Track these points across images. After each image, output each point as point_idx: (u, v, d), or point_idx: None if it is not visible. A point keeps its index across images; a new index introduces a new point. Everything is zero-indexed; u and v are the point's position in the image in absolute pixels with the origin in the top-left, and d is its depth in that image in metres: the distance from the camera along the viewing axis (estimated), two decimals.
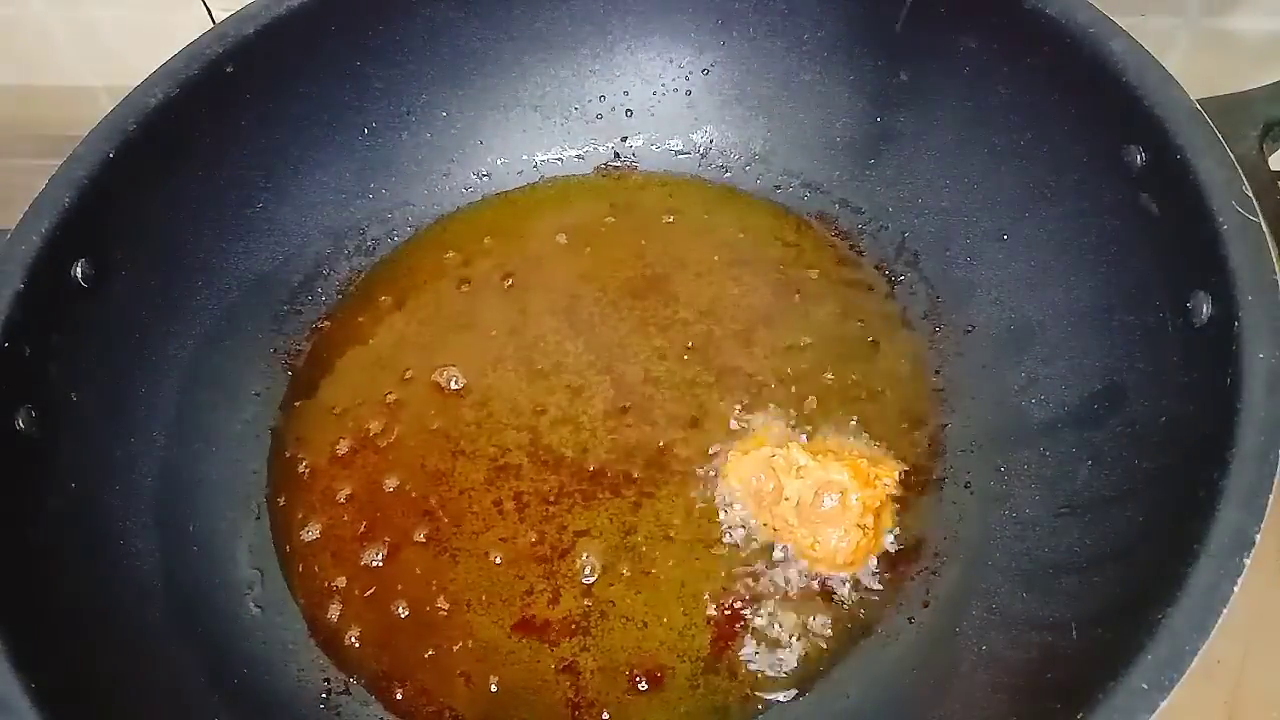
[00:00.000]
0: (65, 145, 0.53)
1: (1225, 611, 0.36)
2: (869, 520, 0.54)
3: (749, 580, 0.54)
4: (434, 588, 0.55)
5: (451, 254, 0.68)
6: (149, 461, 0.56)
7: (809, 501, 0.54)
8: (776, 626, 0.53)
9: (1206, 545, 0.38)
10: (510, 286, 0.66)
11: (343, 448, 0.60)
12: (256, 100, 0.60)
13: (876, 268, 0.64)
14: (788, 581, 0.54)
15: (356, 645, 0.55)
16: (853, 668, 0.52)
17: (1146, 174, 0.48)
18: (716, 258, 0.65)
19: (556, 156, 0.71)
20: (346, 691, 0.54)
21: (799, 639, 0.53)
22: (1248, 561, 0.37)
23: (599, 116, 0.71)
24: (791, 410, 0.59)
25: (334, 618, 0.55)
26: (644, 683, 0.52)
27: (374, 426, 0.61)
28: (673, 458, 0.58)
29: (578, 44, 0.69)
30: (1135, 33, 0.49)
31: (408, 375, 0.63)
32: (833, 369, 0.60)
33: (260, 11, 0.59)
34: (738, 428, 0.59)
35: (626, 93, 0.71)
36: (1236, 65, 0.73)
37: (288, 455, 0.61)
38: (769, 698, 0.51)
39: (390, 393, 0.62)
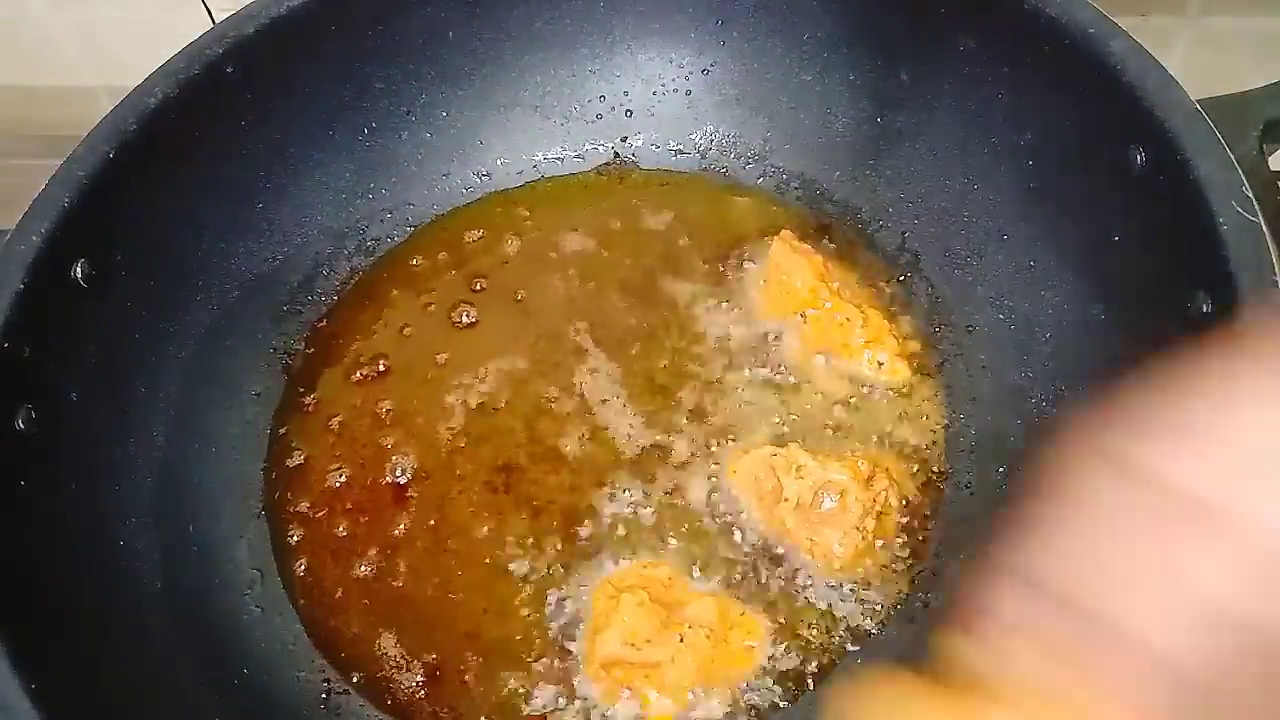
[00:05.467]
0: (65, 145, 0.53)
1: None
2: (869, 524, 0.54)
3: (749, 581, 0.54)
4: (436, 590, 0.55)
5: (451, 253, 0.68)
6: (149, 461, 0.56)
7: (808, 502, 0.54)
8: (776, 628, 0.53)
9: None
10: (510, 286, 0.66)
11: (343, 441, 0.60)
12: (256, 100, 0.60)
13: (876, 267, 0.64)
14: (787, 583, 0.54)
15: (356, 645, 0.55)
16: (853, 669, 0.52)
17: (1147, 174, 0.48)
18: (716, 257, 0.65)
19: (556, 156, 0.71)
20: (346, 691, 0.54)
21: (799, 640, 0.52)
22: None
23: (599, 116, 0.71)
24: (792, 409, 0.59)
25: (334, 621, 0.55)
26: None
27: (374, 421, 0.61)
28: (673, 456, 0.58)
29: (578, 44, 0.69)
30: (1135, 33, 0.49)
31: (408, 374, 0.63)
32: (834, 369, 0.60)
33: (260, 11, 0.59)
34: (738, 425, 0.59)
35: (626, 93, 0.71)
36: (1236, 65, 0.73)
37: (286, 454, 0.61)
38: (769, 699, 0.51)
39: (389, 391, 0.62)
